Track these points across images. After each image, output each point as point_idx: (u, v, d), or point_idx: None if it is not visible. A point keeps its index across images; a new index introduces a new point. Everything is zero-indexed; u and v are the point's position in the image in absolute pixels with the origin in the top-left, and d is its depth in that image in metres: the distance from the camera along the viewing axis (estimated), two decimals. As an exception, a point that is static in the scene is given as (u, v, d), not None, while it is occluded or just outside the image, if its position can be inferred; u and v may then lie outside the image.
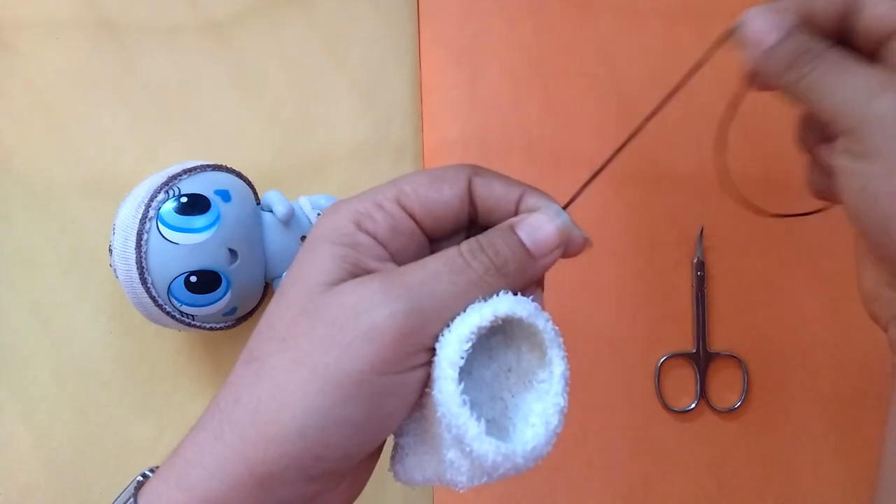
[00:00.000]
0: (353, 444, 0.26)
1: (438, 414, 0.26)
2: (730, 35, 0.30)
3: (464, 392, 0.26)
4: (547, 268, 0.28)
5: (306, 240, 0.28)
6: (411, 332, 0.25)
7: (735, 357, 0.48)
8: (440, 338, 0.26)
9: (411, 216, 0.28)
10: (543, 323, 0.28)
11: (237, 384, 0.26)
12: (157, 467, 0.28)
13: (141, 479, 0.28)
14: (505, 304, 0.27)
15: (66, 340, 0.47)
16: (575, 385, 0.48)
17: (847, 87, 0.28)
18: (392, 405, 0.26)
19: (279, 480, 0.25)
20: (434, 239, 0.29)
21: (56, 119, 0.48)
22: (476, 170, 0.29)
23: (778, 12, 0.29)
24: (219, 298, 0.40)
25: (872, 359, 0.48)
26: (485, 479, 0.28)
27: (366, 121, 0.50)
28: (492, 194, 0.29)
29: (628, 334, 0.48)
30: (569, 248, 0.29)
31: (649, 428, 0.47)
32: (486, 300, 0.27)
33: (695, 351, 0.48)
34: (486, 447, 0.26)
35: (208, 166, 0.42)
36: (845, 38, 0.30)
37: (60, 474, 0.46)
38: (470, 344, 0.26)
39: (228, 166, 0.43)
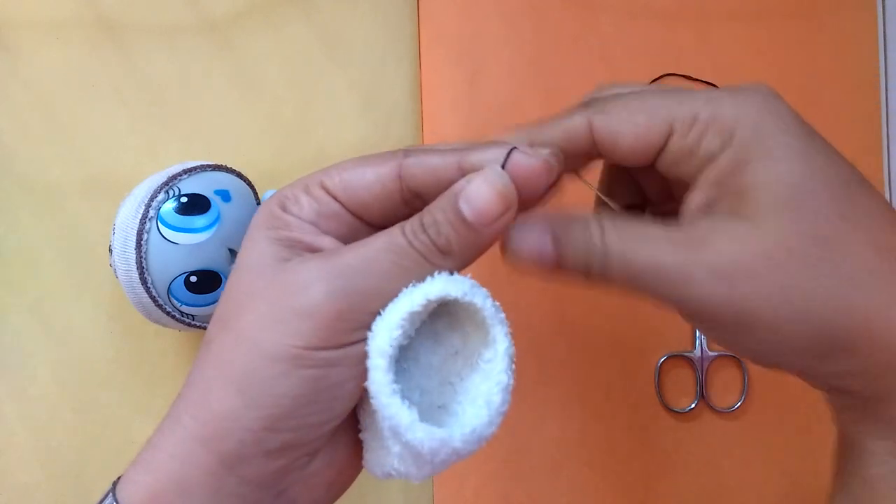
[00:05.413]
0: (303, 413, 0.26)
1: (375, 405, 0.25)
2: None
3: (396, 381, 0.25)
4: (500, 232, 0.27)
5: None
6: (349, 310, 0.25)
7: (735, 357, 0.48)
8: (373, 326, 0.26)
9: (336, 199, 0.28)
10: (482, 300, 0.26)
11: (192, 370, 0.27)
12: None
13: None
14: (437, 286, 0.26)
15: (66, 340, 0.47)
16: (575, 385, 0.48)
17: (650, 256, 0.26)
18: (339, 375, 0.26)
19: (237, 457, 0.26)
20: (375, 224, 0.29)
21: (56, 119, 0.48)
22: (408, 151, 0.28)
23: (531, 226, 0.27)
24: (219, 298, 0.40)
25: (872, 359, 0.48)
26: (427, 469, 0.26)
27: (366, 121, 0.50)
28: (429, 168, 0.27)
29: (628, 334, 0.48)
30: (532, 182, 0.26)
31: (649, 428, 0.48)
32: (418, 284, 0.26)
33: (695, 351, 0.48)
34: (420, 434, 0.25)
35: (208, 166, 0.42)
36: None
37: (60, 474, 0.46)
38: (400, 331, 0.25)
39: (228, 166, 0.43)
